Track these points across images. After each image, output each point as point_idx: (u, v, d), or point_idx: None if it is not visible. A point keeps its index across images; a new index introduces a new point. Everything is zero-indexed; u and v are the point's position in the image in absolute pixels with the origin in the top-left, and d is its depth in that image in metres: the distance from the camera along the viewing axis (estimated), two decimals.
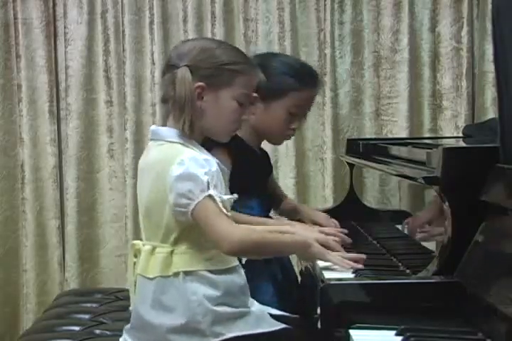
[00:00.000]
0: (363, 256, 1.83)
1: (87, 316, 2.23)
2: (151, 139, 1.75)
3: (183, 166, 1.61)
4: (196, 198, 1.60)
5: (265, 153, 2.32)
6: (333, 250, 1.84)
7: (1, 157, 3.34)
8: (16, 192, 3.35)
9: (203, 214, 1.61)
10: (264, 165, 2.30)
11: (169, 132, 1.71)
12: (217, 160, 1.71)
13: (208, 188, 1.60)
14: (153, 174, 1.69)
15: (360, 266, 1.78)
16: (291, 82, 2.11)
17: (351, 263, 1.78)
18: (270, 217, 2.34)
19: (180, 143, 1.68)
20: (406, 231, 2.03)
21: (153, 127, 1.76)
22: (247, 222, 1.95)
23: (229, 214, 1.63)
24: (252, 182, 2.08)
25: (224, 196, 1.63)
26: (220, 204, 1.60)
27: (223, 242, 1.61)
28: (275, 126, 2.15)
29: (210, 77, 1.69)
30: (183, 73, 1.67)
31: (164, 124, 1.75)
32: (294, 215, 2.36)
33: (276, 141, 2.29)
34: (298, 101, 2.13)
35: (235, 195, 1.68)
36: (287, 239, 1.78)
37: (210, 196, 1.60)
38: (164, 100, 1.75)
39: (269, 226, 2.01)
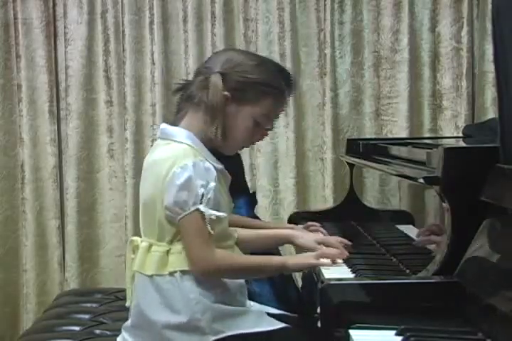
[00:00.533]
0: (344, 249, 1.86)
1: (87, 316, 2.23)
2: (159, 138, 1.75)
3: (185, 173, 1.62)
4: (187, 209, 1.62)
5: (237, 154, 2.34)
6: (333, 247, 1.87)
7: (1, 157, 3.34)
8: (16, 192, 3.35)
9: (187, 227, 1.63)
10: (242, 166, 2.32)
11: (179, 132, 1.71)
12: (222, 166, 1.71)
13: (201, 202, 1.61)
14: (155, 172, 1.69)
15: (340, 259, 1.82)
16: None
17: (330, 257, 1.81)
18: (256, 216, 2.37)
19: (187, 145, 1.68)
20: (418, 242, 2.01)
21: (163, 126, 1.76)
22: (247, 225, 1.97)
23: (212, 232, 1.63)
24: (239, 183, 2.09)
25: (213, 212, 1.63)
26: (207, 220, 1.62)
27: (196, 264, 1.64)
28: None
29: (238, 90, 1.70)
30: (216, 79, 1.68)
31: (175, 124, 1.75)
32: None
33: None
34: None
35: (224, 214, 1.68)
36: (266, 263, 1.76)
37: (199, 211, 1.61)
38: (188, 99, 1.74)
39: (268, 230, 2.02)
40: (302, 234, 2.00)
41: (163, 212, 1.65)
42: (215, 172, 1.66)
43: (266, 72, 1.74)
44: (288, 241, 1.99)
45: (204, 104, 1.69)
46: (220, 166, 1.70)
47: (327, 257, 1.79)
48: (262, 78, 1.72)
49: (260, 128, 1.76)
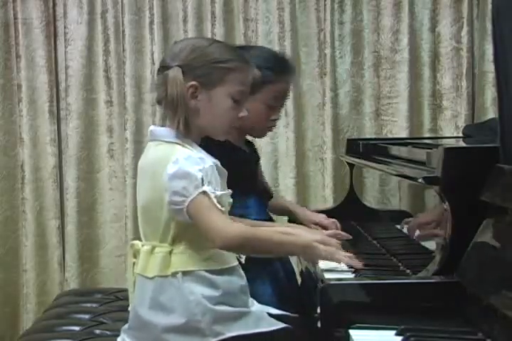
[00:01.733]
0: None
1: (87, 316, 2.23)
2: (150, 140, 1.76)
3: (177, 164, 1.62)
4: (190, 195, 1.60)
5: (250, 143, 2.31)
6: None
7: (1, 157, 3.34)
8: (16, 192, 3.35)
9: (197, 210, 1.61)
10: (253, 159, 2.29)
11: (166, 132, 1.71)
12: (217, 161, 1.71)
13: (203, 184, 1.61)
14: (150, 173, 1.70)
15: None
16: (265, 75, 2.07)
17: (358, 262, 1.77)
18: (271, 218, 2.34)
19: (177, 143, 1.68)
20: (405, 231, 2.04)
21: (151, 127, 1.77)
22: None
23: (223, 209, 1.62)
24: (246, 181, 2.07)
25: (218, 192, 1.63)
26: (215, 200, 1.61)
27: (216, 237, 1.60)
28: (256, 120, 2.13)
29: (203, 75, 1.69)
30: (174, 73, 1.67)
31: (163, 125, 1.75)
32: (284, 214, 2.38)
33: (259, 134, 2.27)
34: (274, 93, 2.12)
35: (229, 191, 1.68)
36: (289, 239, 1.76)
37: (204, 192, 1.60)
38: (158, 101, 1.75)
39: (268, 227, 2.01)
40: (303, 232, 1.98)
41: (166, 210, 1.65)
42: (210, 162, 1.66)
43: (220, 48, 1.74)
44: None
45: (164, 100, 1.69)
46: (214, 161, 1.70)
47: (355, 261, 1.76)
48: (219, 55, 1.71)
49: (240, 105, 1.74)
